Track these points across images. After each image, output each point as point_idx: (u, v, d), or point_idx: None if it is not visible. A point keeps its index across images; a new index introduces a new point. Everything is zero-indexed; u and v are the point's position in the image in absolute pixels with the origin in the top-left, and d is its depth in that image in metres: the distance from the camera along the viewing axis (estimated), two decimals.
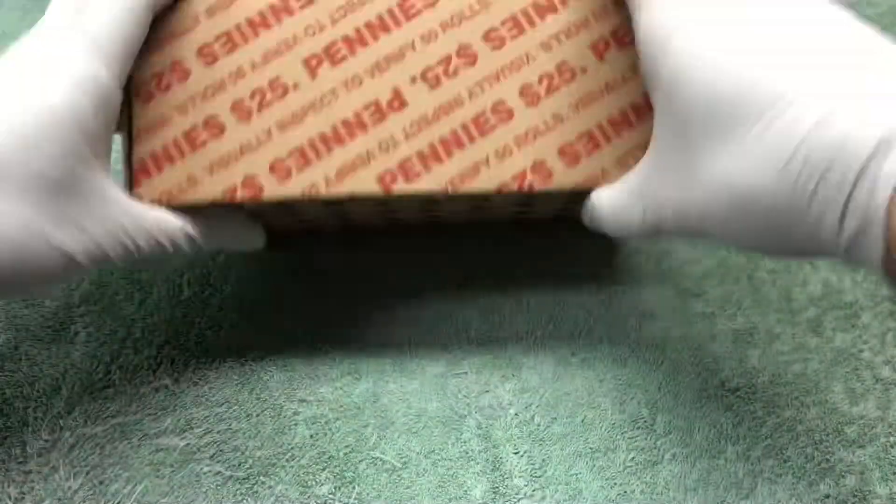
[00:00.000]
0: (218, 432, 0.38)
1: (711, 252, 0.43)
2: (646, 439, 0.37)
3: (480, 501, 0.36)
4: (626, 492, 0.36)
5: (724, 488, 0.36)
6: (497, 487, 0.36)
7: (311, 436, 0.38)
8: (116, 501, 0.36)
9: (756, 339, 0.40)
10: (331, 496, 0.36)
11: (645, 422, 0.38)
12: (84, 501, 0.36)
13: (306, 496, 0.36)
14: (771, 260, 0.42)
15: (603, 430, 0.38)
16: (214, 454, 0.37)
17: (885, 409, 0.38)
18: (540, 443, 0.37)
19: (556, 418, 0.38)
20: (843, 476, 0.36)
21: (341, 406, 0.38)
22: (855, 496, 0.36)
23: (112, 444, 0.37)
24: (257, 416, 0.38)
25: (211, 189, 0.34)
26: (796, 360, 0.40)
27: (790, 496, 0.36)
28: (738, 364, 0.40)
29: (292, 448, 0.37)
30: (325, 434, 0.38)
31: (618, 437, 0.37)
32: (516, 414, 0.38)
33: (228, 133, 0.34)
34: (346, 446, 0.37)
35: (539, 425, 0.38)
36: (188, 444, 0.37)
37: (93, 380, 0.39)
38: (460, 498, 0.36)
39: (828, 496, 0.36)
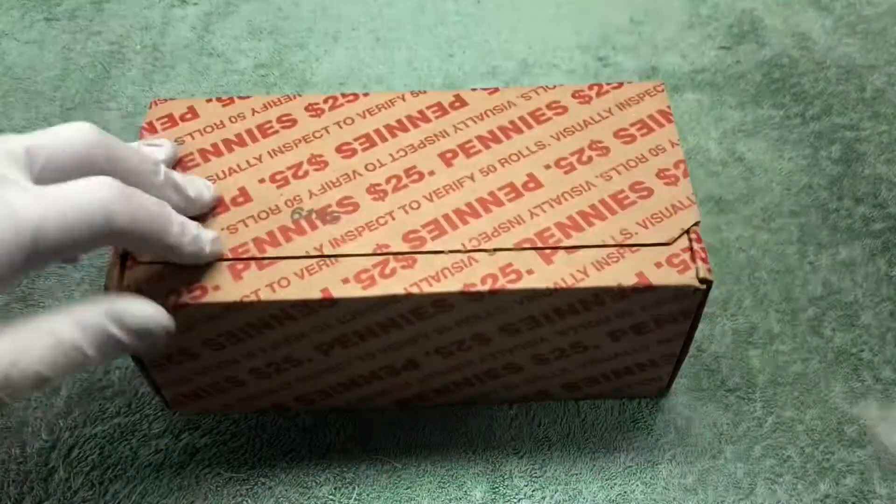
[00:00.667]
0: (218, 433, 0.38)
1: (711, 252, 0.43)
2: (645, 440, 0.37)
3: (480, 502, 0.36)
4: (625, 492, 0.36)
5: (723, 488, 0.36)
6: (497, 488, 0.36)
7: (312, 436, 0.38)
8: (116, 502, 0.36)
9: (756, 339, 0.40)
10: (331, 496, 0.36)
11: (645, 422, 0.38)
12: (84, 501, 0.36)
13: (306, 496, 0.36)
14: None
15: (603, 430, 0.38)
16: (214, 454, 0.37)
17: (886, 409, 0.38)
18: (540, 443, 0.37)
19: (556, 419, 0.38)
20: (843, 476, 0.36)
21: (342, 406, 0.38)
22: (855, 496, 0.36)
23: (112, 443, 0.37)
24: (258, 416, 0.38)
25: (243, 409, 0.38)
26: (796, 360, 0.40)
27: (790, 496, 0.36)
28: (738, 364, 0.40)
29: (292, 448, 0.37)
30: (326, 434, 0.38)
31: (618, 437, 0.37)
32: (516, 415, 0.38)
33: (250, 385, 0.36)
34: (347, 446, 0.37)
35: (539, 425, 0.38)
36: (188, 444, 0.37)
37: (93, 380, 0.39)
38: (460, 498, 0.36)
39: (828, 496, 0.36)
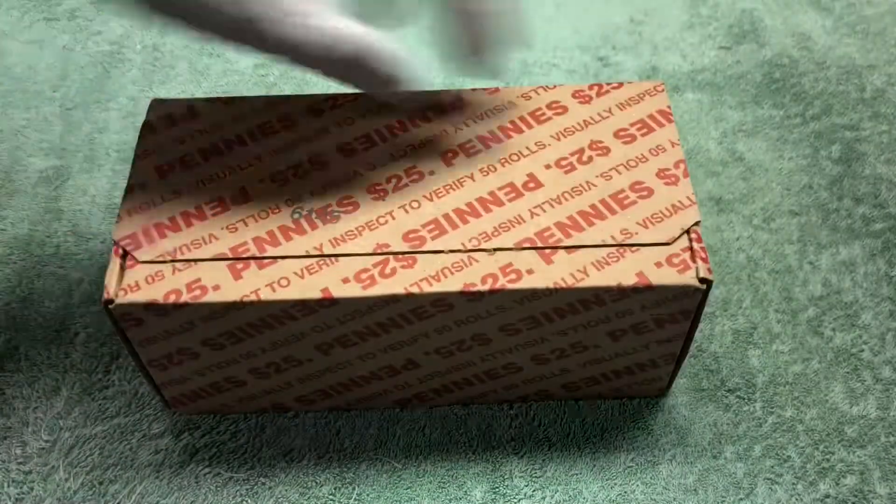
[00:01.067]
0: (218, 433, 0.38)
1: (711, 252, 0.43)
2: (645, 440, 0.37)
3: (480, 502, 0.36)
4: (625, 492, 0.36)
5: (723, 488, 0.36)
6: (497, 488, 0.36)
7: (312, 436, 0.38)
8: (116, 502, 0.36)
9: (756, 339, 0.40)
10: (331, 497, 0.36)
11: (645, 422, 0.38)
12: (84, 501, 0.36)
13: (306, 497, 0.36)
14: None
15: (603, 430, 0.38)
16: (214, 454, 0.37)
17: (885, 409, 0.38)
18: (540, 443, 0.37)
19: (556, 419, 0.38)
20: (843, 476, 0.36)
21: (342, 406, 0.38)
22: (855, 496, 0.36)
23: (112, 444, 0.37)
24: (258, 416, 0.38)
25: (242, 410, 0.38)
26: (796, 360, 0.40)
27: (790, 496, 0.36)
28: (738, 364, 0.40)
29: (292, 448, 0.37)
30: (326, 434, 0.38)
31: (618, 437, 0.37)
32: (516, 415, 0.38)
33: (250, 385, 0.36)
34: (347, 446, 0.37)
35: (539, 425, 0.38)
36: (188, 444, 0.37)
37: (93, 380, 0.39)
38: (460, 498, 0.36)
39: (828, 496, 0.36)
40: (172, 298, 0.31)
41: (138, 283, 0.31)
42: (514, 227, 0.33)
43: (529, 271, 0.31)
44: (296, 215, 0.33)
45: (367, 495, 0.36)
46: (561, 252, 0.32)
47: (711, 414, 0.38)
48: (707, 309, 0.41)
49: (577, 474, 0.36)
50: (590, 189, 0.34)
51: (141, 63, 0.53)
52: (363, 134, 0.36)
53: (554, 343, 0.34)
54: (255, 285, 0.31)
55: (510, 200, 0.33)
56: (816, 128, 0.49)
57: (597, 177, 0.34)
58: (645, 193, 0.33)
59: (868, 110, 0.50)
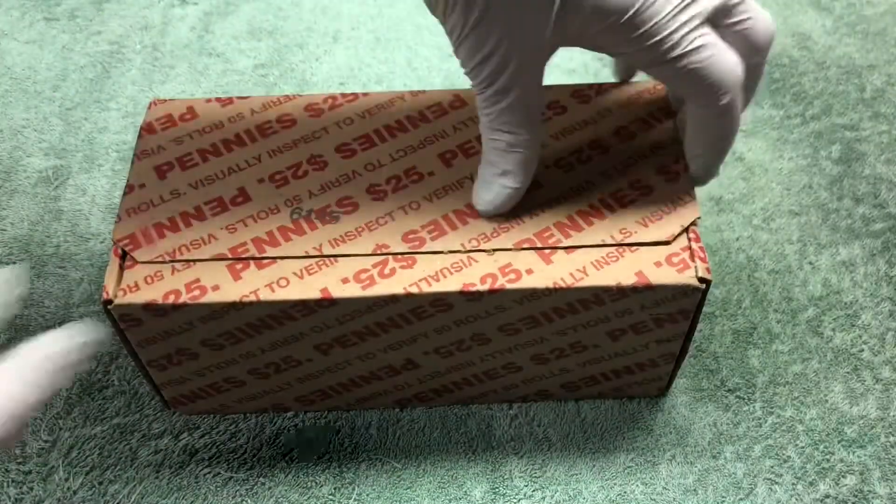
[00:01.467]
0: (218, 433, 0.38)
1: (711, 252, 0.43)
2: (645, 440, 0.37)
3: (480, 502, 0.36)
4: (625, 492, 0.36)
5: (723, 488, 0.36)
6: (497, 488, 0.36)
7: (311, 436, 0.38)
8: (116, 502, 0.36)
9: (756, 339, 0.40)
10: (331, 497, 0.36)
11: (645, 422, 0.38)
12: (84, 501, 0.36)
13: (306, 497, 0.36)
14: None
15: (603, 430, 0.38)
16: (214, 455, 0.37)
17: (885, 409, 0.38)
18: (540, 443, 0.37)
19: (556, 419, 0.38)
20: (843, 476, 0.36)
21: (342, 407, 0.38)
22: (855, 496, 0.36)
23: (112, 444, 0.37)
24: (257, 416, 0.38)
25: (242, 410, 0.38)
26: (796, 360, 0.40)
27: (790, 496, 0.36)
28: (737, 364, 0.40)
29: (292, 448, 0.37)
30: (326, 434, 0.38)
31: (617, 437, 0.37)
32: (516, 415, 0.38)
33: (250, 385, 0.36)
34: (347, 446, 0.37)
35: (539, 425, 0.38)
36: (188, 444, 0.37)
37: (93, 380, 0.39)
38: (460, 498, 0.36)
39: (828, 496, 0.36)
40: (171, 299, 0.31)
41: (137, 284, 0.31)
42: (513, 227, 0.33)
43: (529, 271, 0.31)
44: (295, 216, 0.33)
45: (367, 495, 0.36)
46: (560, 252, 0.32)
47: (711, 414, 0.38)
48: (707, 309, 0.41)
49: (576, 474, 0.36)
50: (589, 188, 0.34)
51: (141, 63, 0.53)
52: (363, 134, 0.36)
53: (553, 343, 0.34)
54: (254, 285, 0.31)
55: None
56: (816, 128, 0.49)
57: (596, 175, 0.34)
58: (645, 191, 0.34)
59: (868, 110, 0.50)
